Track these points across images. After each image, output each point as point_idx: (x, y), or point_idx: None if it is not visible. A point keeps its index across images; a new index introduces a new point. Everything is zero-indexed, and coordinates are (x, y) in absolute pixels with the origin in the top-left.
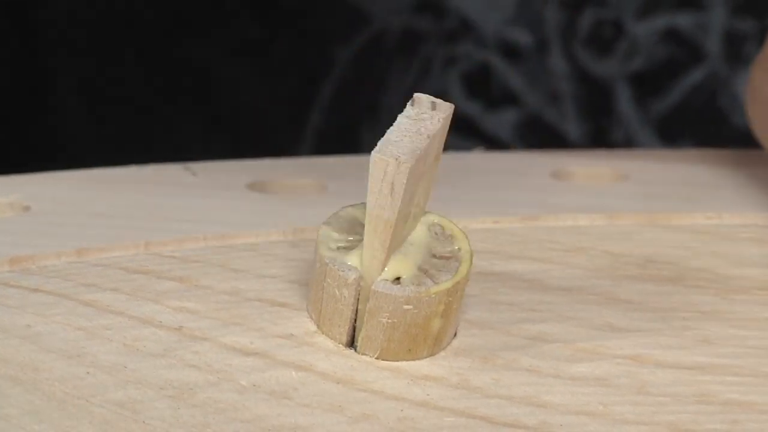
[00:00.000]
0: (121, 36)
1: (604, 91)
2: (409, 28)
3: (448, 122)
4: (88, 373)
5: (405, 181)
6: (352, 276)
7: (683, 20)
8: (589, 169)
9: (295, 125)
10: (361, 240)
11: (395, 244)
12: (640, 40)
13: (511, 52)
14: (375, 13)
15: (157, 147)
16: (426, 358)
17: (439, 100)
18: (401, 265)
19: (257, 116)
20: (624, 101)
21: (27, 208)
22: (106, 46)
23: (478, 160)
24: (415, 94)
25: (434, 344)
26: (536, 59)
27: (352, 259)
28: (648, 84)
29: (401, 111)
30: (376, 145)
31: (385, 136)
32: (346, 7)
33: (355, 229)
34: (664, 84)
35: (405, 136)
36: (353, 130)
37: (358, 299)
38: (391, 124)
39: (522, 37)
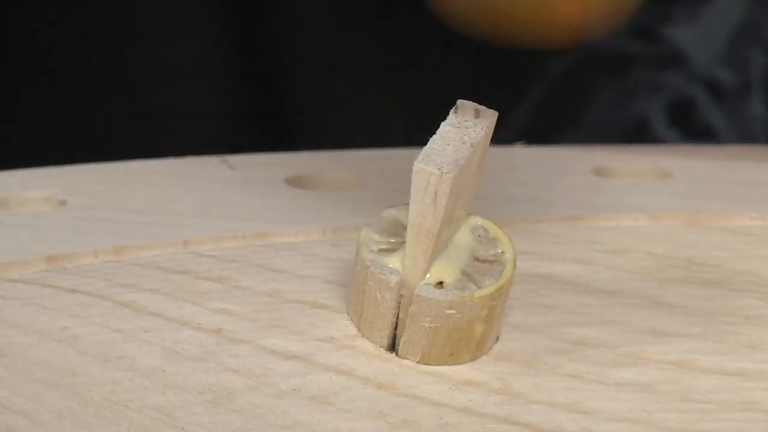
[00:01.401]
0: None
1: None
2: (621, 51)
3: (492, 130)
4: (126, 377)
5: (448, 192)
6: (393, 279)
7: None
8: (632, 165)
9: (500, 125)
10: (403, 242)
11: (438, 249)
12: None
13: (715, 89)
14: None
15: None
16: (468, 362)
17: (482, 107)
18: (444, 269)
19: None
20: None
21: (63, 203)
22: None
23: (519, 156)
24: (459, 101)
25: (476, 349)
26: (738, 100)
27: (394, 262)
28: None
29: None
30: None
31: (428, 145)
32: None
33: (396, 231)
34: None
35: (448, 144)
36: (554, 139)
37: (400, 303)
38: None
39: (727, 76)
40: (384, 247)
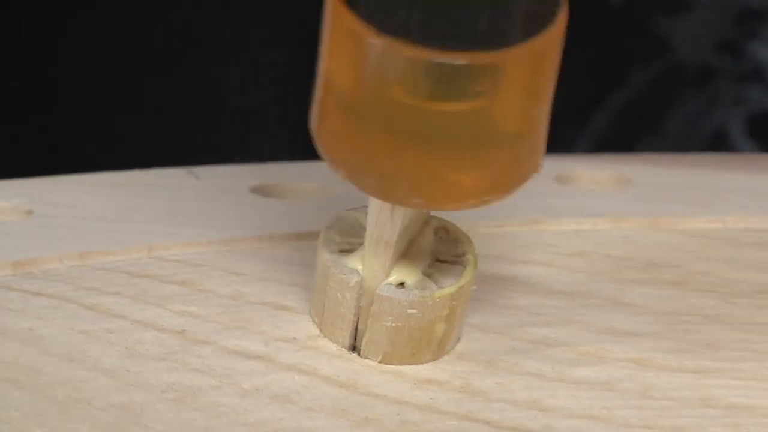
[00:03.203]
0: None
1: None
2: (706, 64)
3: None
4: (90, 376)
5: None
6: (353, 279)
7: None
8: (593, 173)
9: (578, 123)
10: (363, 243)
11: (398, 254)
12: None
13: None
14: (676, 45)
15: None
16: (429, 362)
17: None
18: (406, 270)
19: None
20: None
21: (30, 212)
22: None
23: None
24: None
25: (438, 348)
26: None
27: (354, 262)
28: None
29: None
30: None
31: None
32: (648, 33)
33: (357, 231)
34: None
35: None
36: (630, 142)
37: (360, 302)
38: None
39: None
40: (344, 247)
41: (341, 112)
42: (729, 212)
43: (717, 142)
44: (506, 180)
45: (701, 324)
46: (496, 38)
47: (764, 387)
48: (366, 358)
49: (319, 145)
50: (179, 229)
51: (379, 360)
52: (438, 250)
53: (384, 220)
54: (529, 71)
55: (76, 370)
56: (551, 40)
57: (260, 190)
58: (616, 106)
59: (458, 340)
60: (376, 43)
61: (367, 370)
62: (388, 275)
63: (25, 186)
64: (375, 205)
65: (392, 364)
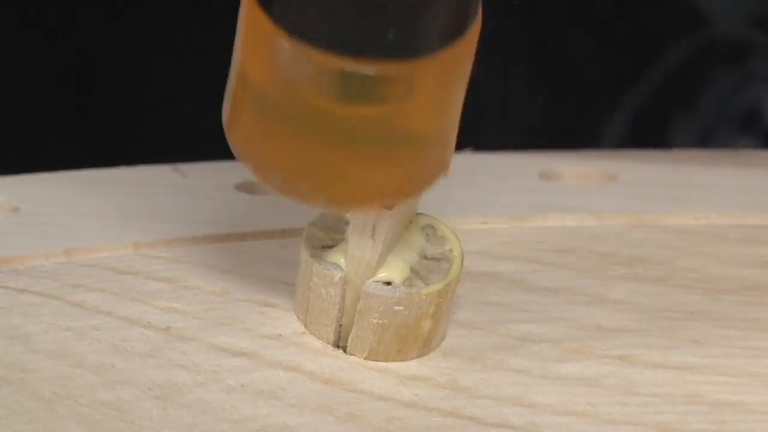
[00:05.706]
0: None
1: None
2: (740, 40)
3: None
4: (76, 373)
5: (386, 227)
6: (337, 275)
7: None
8: (577, 170)
9: (614, 98)
10: (345, 237)
11: (381, 264)
12: None
13: None
14: (712, 18)
15: None
16: (415, 358)
17: None
18: (393, 267)
19: (580, 79)
20: None
21: (15, 209)
22: None
23: (467, 160)
24: None
25: (424, 345)
26: None
27: (336, 256)
28: None
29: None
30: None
31: None
32: (685, 8)
33: (339, 227)
34: None
35: None
36: (664, 118)
37: (345, 298)
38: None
39: None
40: (328, 243)
41: (252, 105)
42: (714, 208)
43: (750, 119)
44: (411, 182)
45: (686, 320)
46: (406, 48)
47: (749, 383)
48: (352, 354)
49: (230, 138)
50: (164, 225)
51: (364, 356)
52: (425, 248)
53: (365, 242)
54: (439, 81)
55: (62, 366)
56: (461, 52)
57: (245, 188)
58: (652, 81)
59: (444, 336)
60: (287, 46)
61: (352, 367)
62: (372, 277)
63: (11, 183)
64: (356, 227)
65: (378, 361)
